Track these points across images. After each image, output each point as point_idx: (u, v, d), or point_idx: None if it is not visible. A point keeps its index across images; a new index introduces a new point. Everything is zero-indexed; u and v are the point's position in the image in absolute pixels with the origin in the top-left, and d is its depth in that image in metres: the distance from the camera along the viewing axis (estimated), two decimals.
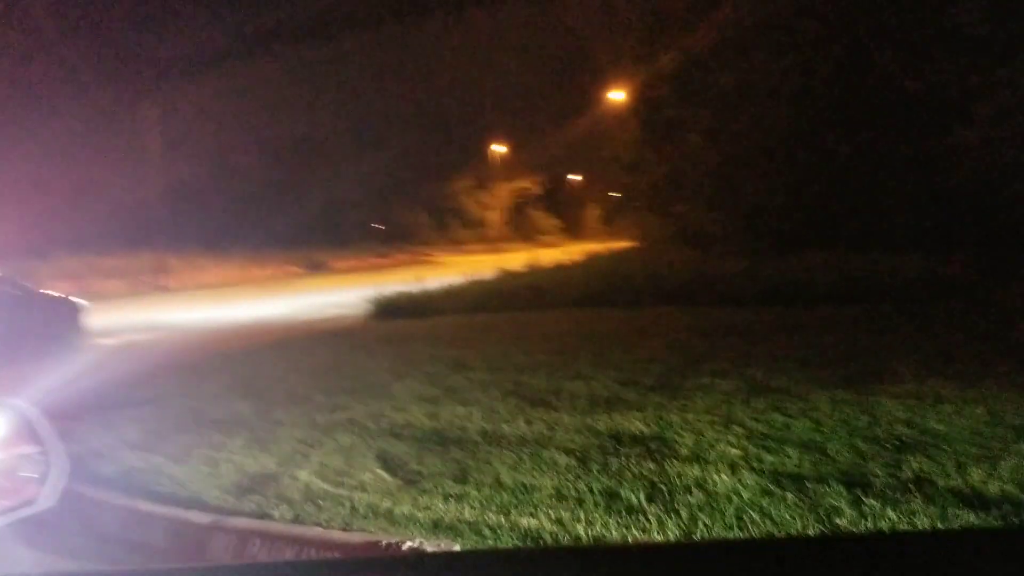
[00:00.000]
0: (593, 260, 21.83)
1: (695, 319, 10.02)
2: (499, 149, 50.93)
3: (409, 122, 44.42)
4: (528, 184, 54.60)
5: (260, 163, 37.54)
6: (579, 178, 59.24)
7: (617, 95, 29.41)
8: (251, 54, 27.17)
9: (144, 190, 28.60)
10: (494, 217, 53.26)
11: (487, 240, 50.50)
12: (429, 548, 3.17)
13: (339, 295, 21.37)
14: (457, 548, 3.22)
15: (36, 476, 1.26)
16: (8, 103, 23.58)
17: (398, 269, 36.14)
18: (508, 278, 17.98)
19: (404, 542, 3.24)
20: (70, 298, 12.51)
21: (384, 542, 3.27)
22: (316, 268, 34.27)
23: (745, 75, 16.59)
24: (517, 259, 22.08)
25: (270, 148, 37.56)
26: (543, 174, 54.88)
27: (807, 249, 14.22)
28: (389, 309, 14.50)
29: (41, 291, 12.52)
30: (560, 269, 19.29)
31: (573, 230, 56.45)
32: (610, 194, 48.16)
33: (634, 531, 3.27)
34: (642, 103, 19.31)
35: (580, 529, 3.33)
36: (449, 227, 51.09)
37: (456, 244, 48.41)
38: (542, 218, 56.68)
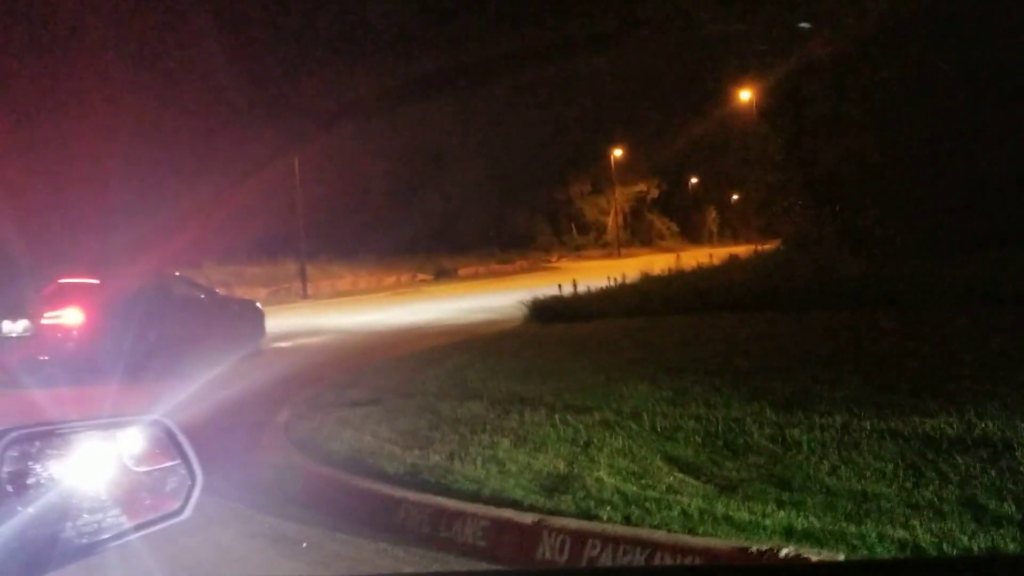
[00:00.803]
0: (735, 263, 21.19)
1: (892, 322, 9.43)
2: (616, 152, 50.55)
3: (527, 127, 44.66)
4: (645, 187, 53.83)
5: (387, 174, 38.69)
6: (695, 180, 57.97)
7: (745, 93, 28.58)
8: (375, 80, 28.86)
9: (283, 206, 30.24)
10: (611, 221, 52.81)
11: (605, 245, 50.08)
12: (812, 557, 2.98)
13: (475, 300, 21.62)
14: (841, 557, 3.02)
15: (172, 488, 1.33)
16: (169, 138, 25.78)
17: (521, 275, 36.35)
18: (654, 281, 17.66)
19: (779, 548, 3.07)
20: (256, 303, 13.08)
21: (754, 548, 3.11)
22: (443, 275, 34.93)
23: (912, 66, 15.65)
24: (645, 263, 21.61)
25: (397, 160, 38.69)
26: (660, 177, 53.97)
27: (986, 249, 13.24)
28: (545, 313, 14.49)
29: (227, 295, 13.13)
30: (708, 272, 18.82)
31: (691, 234, 55.24)
32: (734, 196, 46.85)
33: None
34: (792, 98, 18.57)
35: (965, 541, 3.06)
36: (566, 232, 50.96)
37: (575, 250, 48.25)
38: (659, 222, 55.74)
